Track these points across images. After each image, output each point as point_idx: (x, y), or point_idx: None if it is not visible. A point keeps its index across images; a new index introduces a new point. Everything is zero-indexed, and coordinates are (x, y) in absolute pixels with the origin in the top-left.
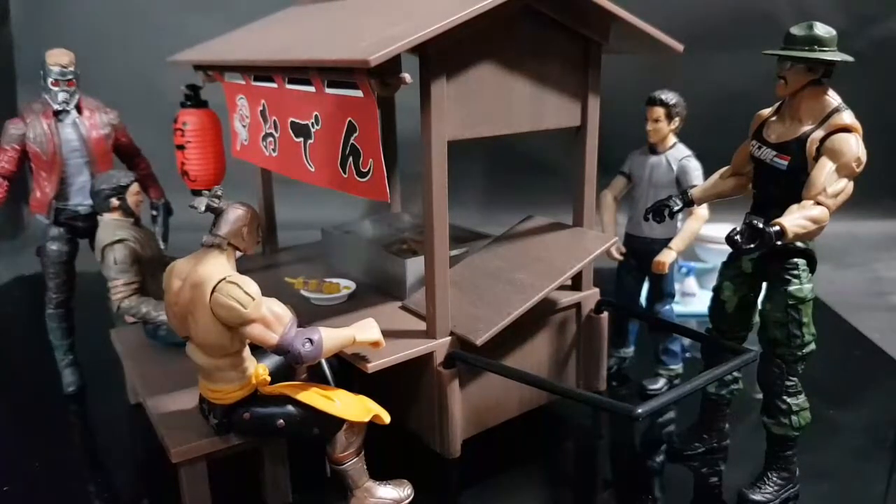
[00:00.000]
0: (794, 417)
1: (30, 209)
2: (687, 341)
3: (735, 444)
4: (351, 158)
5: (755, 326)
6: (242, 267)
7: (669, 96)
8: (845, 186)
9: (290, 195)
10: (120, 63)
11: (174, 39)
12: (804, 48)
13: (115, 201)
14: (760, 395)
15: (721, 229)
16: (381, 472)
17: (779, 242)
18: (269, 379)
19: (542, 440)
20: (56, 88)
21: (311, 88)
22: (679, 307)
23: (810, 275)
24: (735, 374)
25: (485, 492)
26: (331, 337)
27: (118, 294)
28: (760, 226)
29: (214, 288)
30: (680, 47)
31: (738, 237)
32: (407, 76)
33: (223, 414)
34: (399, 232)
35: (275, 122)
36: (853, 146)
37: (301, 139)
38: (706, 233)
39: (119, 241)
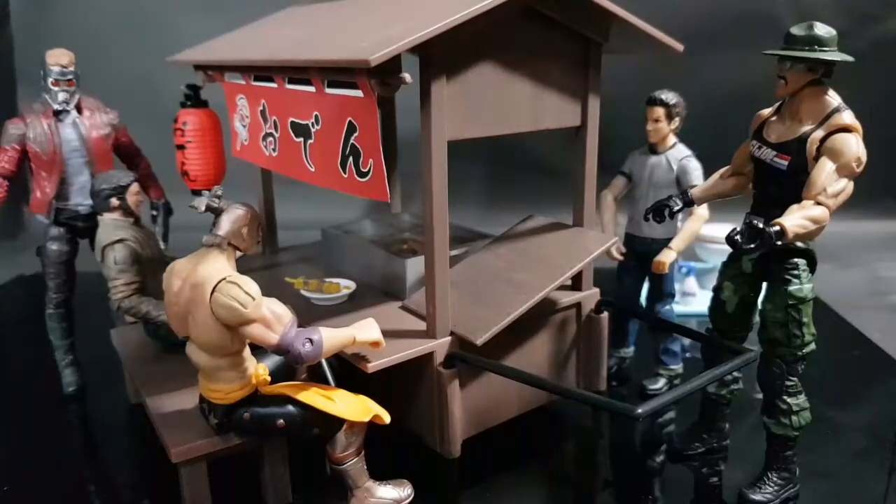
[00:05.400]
0: (794, 417)
1: (30, 209)
2: (687, 341)
3: (735, 444)
4: (351, 158)
5: (755, 326)
6: (242, 267)
7: (669, 96)
8: (845, 186)
9: (290, 195)
10: (120, 63)
11: (174, 39)
12: (804, 48)
13: (115, 201)
14: (760, 395)
15: (721, 229)
16: (381, 472)
17: (779, 242)
18: (269, 379)
19: (542, 440)
20: (56, 88)
21: (311, 88)
22: (679, 307)
23: (810, 275)
24: (735, 374)
25: (485, 492)
26: (331, 337)
27: (118, 294)
28: (760, 226)
29: (215, 288)
30: (680, 47)
31: (738, 237)
32: (407, 76)
33: (223, 414)
34: (399, 232)
35: (275, 122)
36: (853, 146)
37: (301, 139)
38: (706, 233)
39: (119, 241)
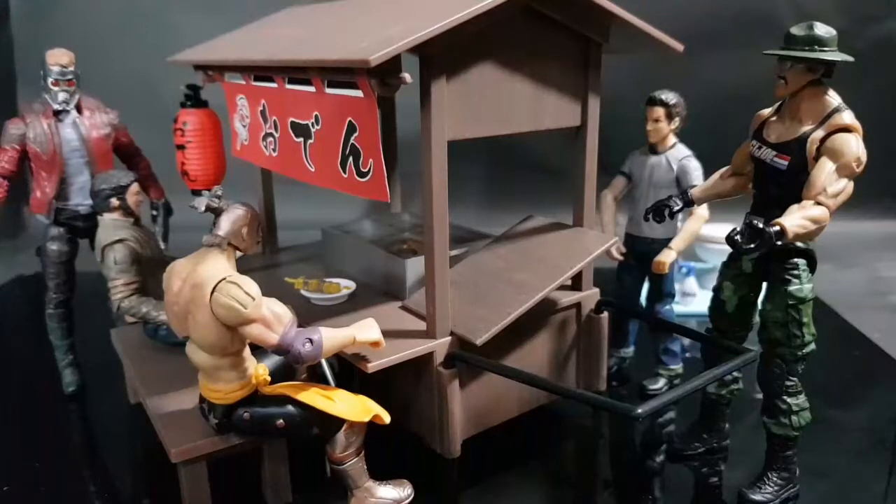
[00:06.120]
0: (794, 417)
1: (30, 209)
2: (687, 341)
3: (735, 444)
4: (351, 158)
5: (755, 326)
6: (242, 267)
7: (669, 96)
8: (845, 186)
9: (290, 195)
10: (120, 63)
11: (174, 39)
12: (804, 48)
13: (115, 201)
14: (760, 395)
15: (721, 229)
16: (381, 472)
17: (779, 242)
18: (269, 379)
19: (542, 440)
20: (56, 88)
21: (312, 88)
22: (679, 307)
23: (810, 275)
24: (735, 374)
25: (485, 492)
26: (331, 337)
27: (118, 294)
28: (760, 226)
29: (214, 288)
30: (680, 47)
31: (738, 237)
32: (407, 76)
33: (223, 414)
34: (399, 232)
35: (275, 122)
36: (853, 146)
37: (301, 139)
38: (706, 233)
39: (119, 241)
